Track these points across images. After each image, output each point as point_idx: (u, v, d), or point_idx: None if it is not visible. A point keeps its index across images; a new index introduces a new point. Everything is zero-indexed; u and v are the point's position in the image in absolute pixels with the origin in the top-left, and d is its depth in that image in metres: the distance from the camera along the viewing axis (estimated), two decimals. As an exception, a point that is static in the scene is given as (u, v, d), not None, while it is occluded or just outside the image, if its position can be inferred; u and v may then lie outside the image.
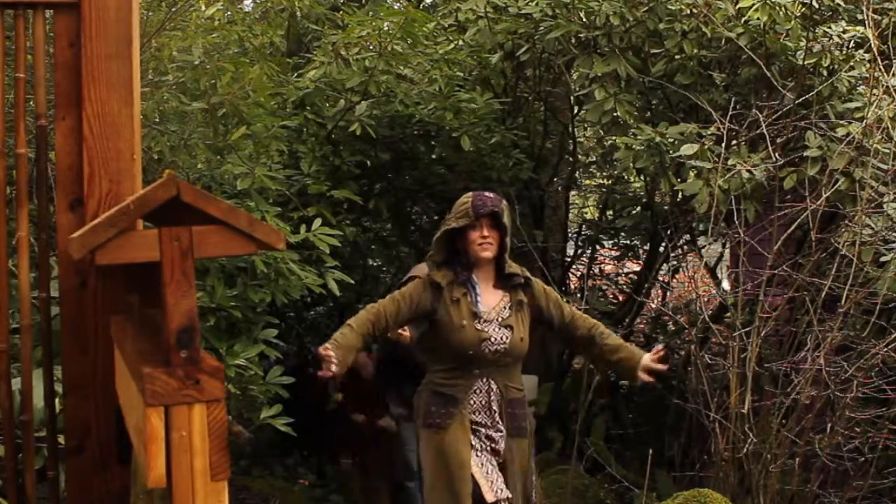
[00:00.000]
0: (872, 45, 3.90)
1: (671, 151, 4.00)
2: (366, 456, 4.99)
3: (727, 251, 6.11)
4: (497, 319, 3.28)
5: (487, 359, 3.25)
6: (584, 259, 6.31)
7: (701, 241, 5.51)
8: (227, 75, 3.97)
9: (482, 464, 3.24)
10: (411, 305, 3.27)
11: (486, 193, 3.33)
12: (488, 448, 3.28)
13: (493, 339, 3.24)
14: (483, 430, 3.28)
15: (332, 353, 3.04)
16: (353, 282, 4.53)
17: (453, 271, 3.30)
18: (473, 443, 3.26)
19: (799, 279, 3.85)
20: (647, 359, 3.32)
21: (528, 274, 3.42)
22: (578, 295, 5.37)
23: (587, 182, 6.81)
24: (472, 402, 3.28)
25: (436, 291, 3.27)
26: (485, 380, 3.28)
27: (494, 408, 3.29)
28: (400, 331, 3.77)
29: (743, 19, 4.10)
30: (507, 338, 3.27)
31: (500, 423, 3.29)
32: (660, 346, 3.38)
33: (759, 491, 3.78)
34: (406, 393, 4.04)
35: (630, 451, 5.31)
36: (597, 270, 6.41)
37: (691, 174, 3.91)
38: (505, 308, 3.32)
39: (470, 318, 3.25)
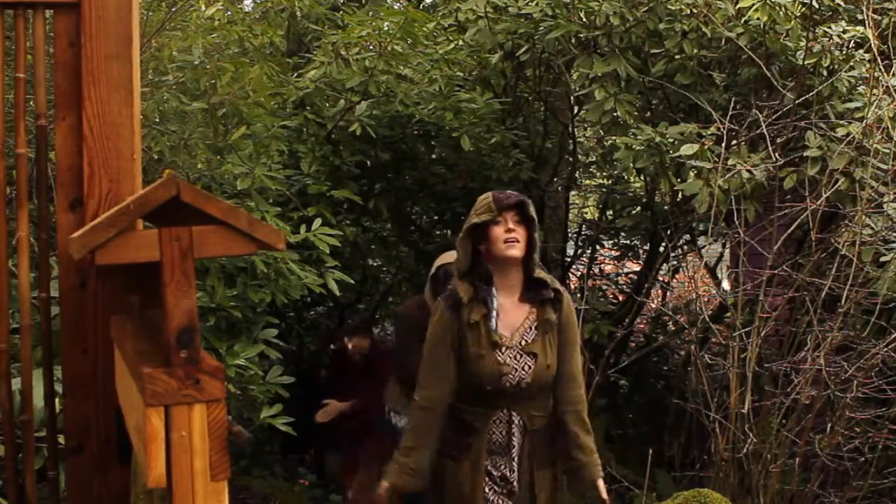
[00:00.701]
0: (872, 45, 3.90)
1: (671, 151, 4.00)
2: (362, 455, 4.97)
3: (727, 251, 6.12)
4: (519, 344, 2.84)
5: (508, 393, 2.84)
6: (584, 259, 6.31)
7: (701, 241, 5.51)
8: (227, 75, 3.97)
9: None
10: (449, 350, 2.87)
11: (509, 192, 2.95)
12: (504, 491, 2.91)
13: (514, 372, 2.82)
14: (497, 471, 2.90)
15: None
16: (353, 282, 4.53)
17: (473, 286, 2.86)
18: (486, 492, 2.89)
19: (799, 279, 3.85)
20: (600, 485, 2.96)
21: (558, 285, 2.94)
22: (578, 295, 5.37)
23: (587, 182, 6.80)
24: (490, 432, 2.89)
25: (457, 316, 2.85)
26: (506, 411, 2.89)
27: (514, 441, 2.89)
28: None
29: (743, 19, 4.10)
30: (529, 367, 2.83)
31: (515, 460, 2.89)
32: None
33: (759, 491, 3.78)
34: None
35: (630, 451, 5.31)
36: (597, 270, 6.41)
37: (691, 174, 3.91)
38: (530, 328, 2.86)
39: (489, 347, 2.81)
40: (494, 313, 2.84)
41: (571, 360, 2.95)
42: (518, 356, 2.83)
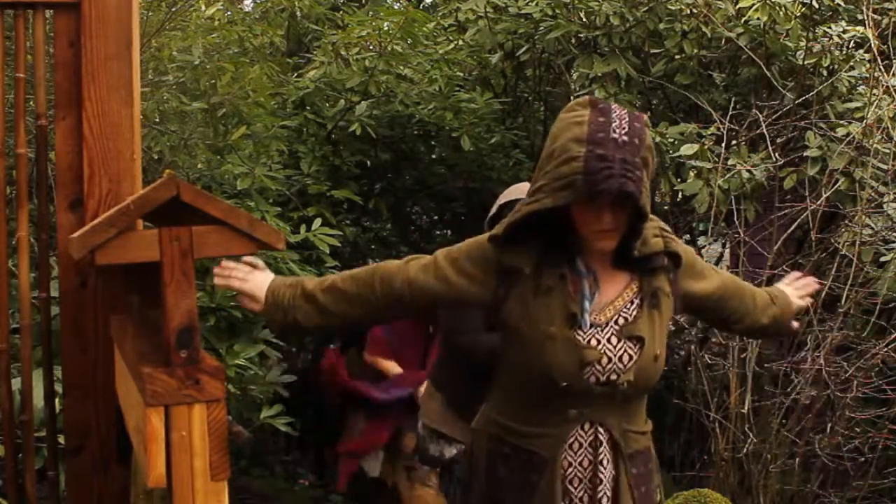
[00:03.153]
0: (872, 45, 3.90)
1: (671, 151, 4.00)
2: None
3: (727, 251, 6.11)
4: (616, 323, 1.92)
5: (594, 393, 1.91)
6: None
7: (701, 241, 5.50)
8: (227, 75, 3.97)
9: None
10: (453, 286, 1.94)
11: (615, 126, 1.78)
12: None
13: (605, 362, 1.89)
14: None
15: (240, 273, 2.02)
16: (353, 282, 4.52)
17: (545, 243, 1.92)
18: None
19: (799, 279, 3.84)
20: (796, 299, 2.27)
21: (674, 246, 1.98)
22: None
23: (587, 182, 6.79)
24: (566, 463, 1.95)
25: (507, 272, 1.93)
26: (588, 427, 1.94)
27: (604, 472, 1.95)
28: None
29: (743, 19, 4.10)
30: (630, 357, 1.91)
31: (608, 499, 1.97)
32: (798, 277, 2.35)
33: (759, 491, 3.78)
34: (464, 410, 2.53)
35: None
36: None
37: (691, 174, 3.90)
38: (631, 304, 1.94)
39: (565, 322, 1.88)
40: (591, 276, 1.92)
41: (726, 281, 2.13)
42: (614, 340, 1.91)
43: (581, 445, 1.95)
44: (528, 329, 1.89)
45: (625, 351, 1.91)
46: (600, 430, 1.95)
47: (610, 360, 1.90)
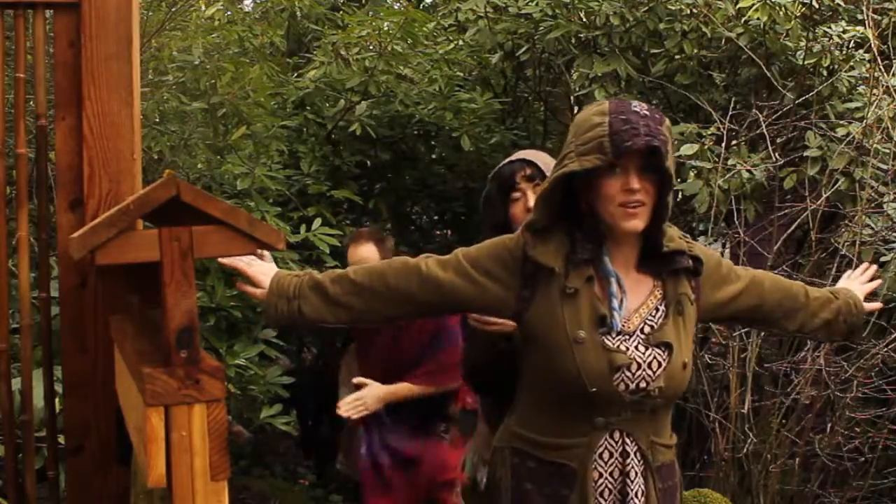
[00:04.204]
0: (872, 45, 3.90)
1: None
2: None
3: (727, 251, 6.11)
4: (642, 331, 1.89)
5: (623, 401, 1.86)
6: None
7: (701, 241, 5.51)
8: (227, 75, 3.97)
9: None
10: (477, 284, 1.89)
11: (634, 105, 1.84)
12: None
13: (634, 368, 1.85)
14: None
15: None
16: (353, 282, 4.52)
17: (570, 241, 1.87)
18: None
19: (799, 279, 3.84)
20: (862, 289, 2.26)
21: (696, 250, 1.95)
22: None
23: (587, 182, 6.79)
24: (596, 474, 1.89)
25: (533, 274, 1.87)
26: (617, 437, 1.89)
27: (631, 485, 1.89)
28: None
29: (743, 19, 4.10)
30: (660, 364, 1.87)
31: None
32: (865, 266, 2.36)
33: (759, 491, 3.78)
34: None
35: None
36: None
37: (691, 174, 3.91)
38: (656, 311, 1.91)
39: (593, 327, 1.84)
40: (614, 280, 1.87)
41: (759, 277, 2.09)
42: (642, 348, 1.87)
43: (611, 455, 1.90)
44: (556, 333, 1.84)
45: (654, 358, 1.87)
46: (628, 440, 1.89)
47: (640, 366, 1.86)
